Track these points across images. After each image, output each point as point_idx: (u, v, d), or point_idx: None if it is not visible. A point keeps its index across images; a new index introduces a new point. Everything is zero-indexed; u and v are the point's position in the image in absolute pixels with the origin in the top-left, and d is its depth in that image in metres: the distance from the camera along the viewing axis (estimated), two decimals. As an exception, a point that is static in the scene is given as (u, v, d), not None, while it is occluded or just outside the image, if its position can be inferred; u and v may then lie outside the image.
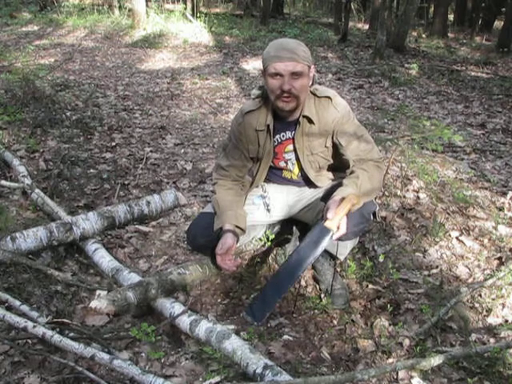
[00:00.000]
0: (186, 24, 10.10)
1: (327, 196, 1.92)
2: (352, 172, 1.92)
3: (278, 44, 1.86)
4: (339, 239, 1.98)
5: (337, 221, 1.78)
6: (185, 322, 1.83)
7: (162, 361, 1.74)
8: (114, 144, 3.95)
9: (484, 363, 1.67)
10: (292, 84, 1.83)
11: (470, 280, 2.20)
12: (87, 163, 3.49)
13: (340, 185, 1.89)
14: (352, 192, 1.82)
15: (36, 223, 2.47)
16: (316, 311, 2.02)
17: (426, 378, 1.63)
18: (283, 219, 2.23)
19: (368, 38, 10.55)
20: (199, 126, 4.69)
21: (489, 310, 1.98)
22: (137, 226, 2.67)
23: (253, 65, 7.47)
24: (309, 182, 2.11)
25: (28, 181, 2.89)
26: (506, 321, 1.93)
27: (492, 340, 1.81)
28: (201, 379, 1.62)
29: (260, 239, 2.33)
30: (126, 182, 3.28)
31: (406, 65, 7.71)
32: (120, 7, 11.62)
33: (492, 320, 1.94)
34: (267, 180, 2.18)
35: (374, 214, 2.02)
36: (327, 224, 1.79)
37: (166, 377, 1.62)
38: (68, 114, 4.38)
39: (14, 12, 12.14)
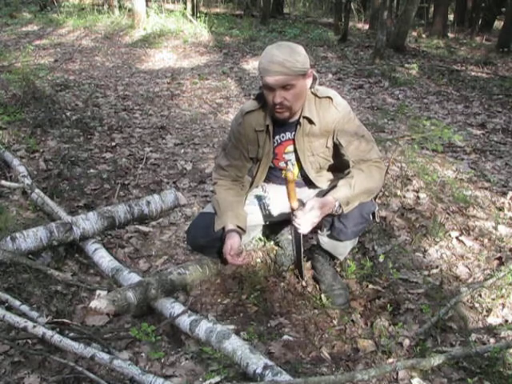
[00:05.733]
0: (185, 24, 10.10)
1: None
2: (348, 173, 1.93)
3: (270, 55, 1.79)
4: (339, 239, 1.99)
5: (292, 200, 1.87)
6: (185, 321, 1.83)
7: (162, 361, 1.74)
8: (113, 144, 3.95)
9: (484, 363, 1.67)
10: (283, 96, 1.81)
11: (470, 280, 2.20)
12: (87, 163, 3.49)
13: (335, 186, 1.91)
14: (345, 193, 1.85)
15: (36, 223, 2.47)
16: (316, 311, 2.02)
17: (426, 378, 1.63)
18: (283, 219, 2.23)
19: (368, 37, 10.55)
20: (199, 126, 4.69)
21: (489, 310, 1.98)
22: (137, 226, 2.67)
23: (253, 65, 7.47)
24: (309, 183, 2.11)
25: (28, 181, 2.89)
26: (506, 321, 1.93)
27: (492, 340, 1.81)
28: (201, 379, 1.62)
29: (260, 239, 2.34)
30: (126, 182, 3.28)
31: (406, 65, 7.70)
32: (120, 7, 11.61)
33: (492, 320, 1.94)
34: (267, 180, 2.18)
35: (374, 214, 2.02)
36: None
37: (166, 377, 1.62)
38: (68, 114, 4.39)
39: (14, 12, 12.13)
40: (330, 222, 1.96)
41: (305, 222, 1.82)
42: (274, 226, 2.32)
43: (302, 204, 1.87)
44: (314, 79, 1.92)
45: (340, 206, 1.85)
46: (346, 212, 1.87)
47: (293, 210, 1.86)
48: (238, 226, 2.02)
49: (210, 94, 5.87)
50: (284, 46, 1.84)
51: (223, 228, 2.02)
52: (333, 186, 1.94)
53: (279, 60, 1.76)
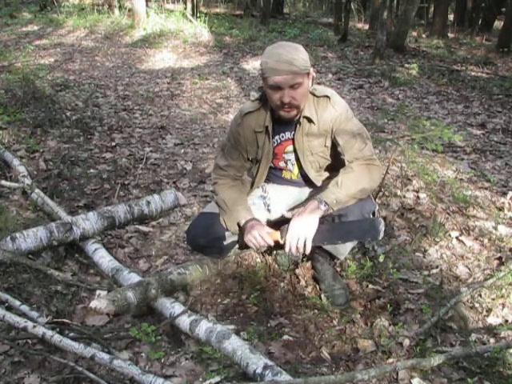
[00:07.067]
0: (186, 24, 10.11)
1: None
2: (338, 173, 1.93)
3: (276, 54, 1.79)
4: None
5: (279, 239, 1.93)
6: (185, 321, 1.83)
7: (162, 361, 1.74)
8: (113, 144, 3.95)
9: (484, 363, 1.67)
10: (292, 95, 1.82)
11: (470, 280, 2.20)
12: (87, 163, 3.49)
13: (325, 188, 1.89)
14: (331, 193, 1.84)
15: (36, 223, 2.47)
16: (316, 311, 2.02)
17: (425, 378, 1.63)
18: (283, 219, 2.22)
19: (368, 37, 10.55)
20: (199, 126, 4.69)
21: (489, 310, 1.98)
22: (137, 226, 2.67)
23: (253, 65, 7.47)
24: (309, 182, 2.11)
25: (28, 181, 2.89)
26: (506, 321, 1.93)
27: (492, 340, 1.81)
28: (201, 379, 1.63)
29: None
30: (126, 182, 3.28)
31: (406, 65, 7.70)
32: (120, 7, 11.62)
33: (492, 320, 1.94)
34: (267, 180, 2.18)
35: (374, 214, 2.02)
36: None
37: (166, 377, 1.62)
38: (68, 114, 4.39)
39: (14, 12, 12.14)
40: (331, 222, 1.95)
41: (301, 246, 1.82)
42: (275, 225, 2.31)
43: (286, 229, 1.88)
44: (312, 78, 1.93)
45: (326, 204, 1.83)
46: (335, 210, 1.85)
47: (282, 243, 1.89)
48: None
49: (210, 93, 5.87)
50: (286, 45, 1.85)
51: (238, 224, 2.00)
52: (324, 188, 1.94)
53: (287, 59, 1.77)
